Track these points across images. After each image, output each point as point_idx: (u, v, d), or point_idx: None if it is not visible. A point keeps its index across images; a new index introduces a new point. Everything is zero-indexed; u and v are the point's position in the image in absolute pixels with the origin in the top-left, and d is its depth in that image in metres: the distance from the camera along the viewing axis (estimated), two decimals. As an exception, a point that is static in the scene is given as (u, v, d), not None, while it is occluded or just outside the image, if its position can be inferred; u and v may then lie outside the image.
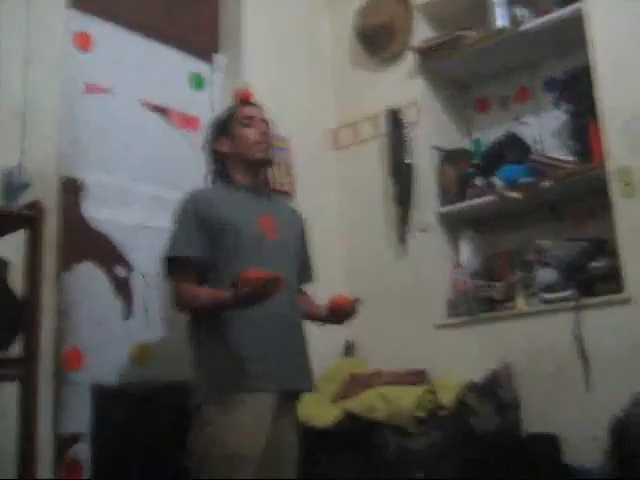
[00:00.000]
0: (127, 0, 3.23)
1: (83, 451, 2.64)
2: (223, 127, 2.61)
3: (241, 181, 2.55)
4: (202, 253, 2.37)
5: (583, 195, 3.29)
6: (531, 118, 3.67)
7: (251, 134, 2.54)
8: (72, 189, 2.83)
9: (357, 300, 2.51)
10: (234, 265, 2.33)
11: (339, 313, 2.51)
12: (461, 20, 3.59)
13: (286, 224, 2.58)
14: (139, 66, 3.21)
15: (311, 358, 2.53)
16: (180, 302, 2.38)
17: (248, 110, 2.60)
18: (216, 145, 2.60)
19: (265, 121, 2.62)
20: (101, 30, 3.07)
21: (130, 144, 3.09)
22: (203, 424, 2.27)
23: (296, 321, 2.50)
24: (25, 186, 2.29)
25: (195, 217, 2.40)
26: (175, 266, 2.39)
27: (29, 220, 2.08)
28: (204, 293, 2.34)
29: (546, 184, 3.18)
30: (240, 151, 2.54)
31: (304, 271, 2.68)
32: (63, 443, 2.59)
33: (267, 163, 2.62)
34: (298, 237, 2.65)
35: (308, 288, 2.72)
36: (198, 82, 3.41)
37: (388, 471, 2.80)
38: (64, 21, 2.84)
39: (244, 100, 2.67)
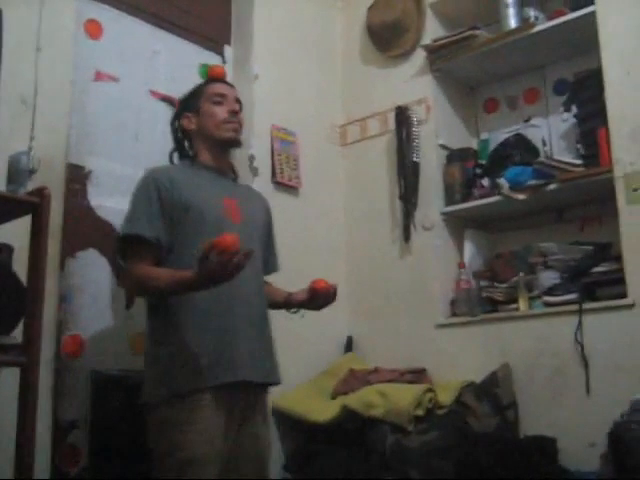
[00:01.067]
0: (138, -10, 3.23)
1: (81, 437, 2.64)
2: (190, 103, 2.50)
3: (206, 161, 2.45)
4: (161, 234, 2.25)
5: (589, 199, 3.28)
6: (540, 120, 3.66)
7: (220, 112, 2.43)
8: (78, 176, 2.83)
9: (335, 287, 2.41)
10: (191, 249, 2.17)
11: (320, 298, 2.40)
12: (472, 19, 3.58)
13: (251, 209, 2.48)
14: (148, 55, 3.21)
15: (276, 348, 2.43)
16: (133, 282, 2.27)
17: (220, 87, 2.50)
18: (182, 121, 2.49)
19: (238, 101, 2.51)
20: (111, 18, 3.07)
21: (138, 133, 3.09)
22: (159, 425, 2.19)
23: (263, 310, 2.40)
24: (31, 172, 2.29)
25: (156, 195, 2.28)
26: (131, 246, 2.26)
27: (34, 206, 2.08)
28: (162, 273, 2.20)
29: (552, 187, 3.18)
30: (207, 129, 2.43)
31: (269, 260, 2.58)
32: (61, 429, 2.59)
33: (235, 143, 2.48)
34: (263, 223, 2.54)
35: (271, 278, 2.62)
36: (206, 73, 3.40)
37: (384, 468, 2.81)
38: (74, 8, 2.84)
39: (216, 77, 2.57)
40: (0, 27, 2.07)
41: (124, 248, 2.30)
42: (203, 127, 2.45)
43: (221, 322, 2.24)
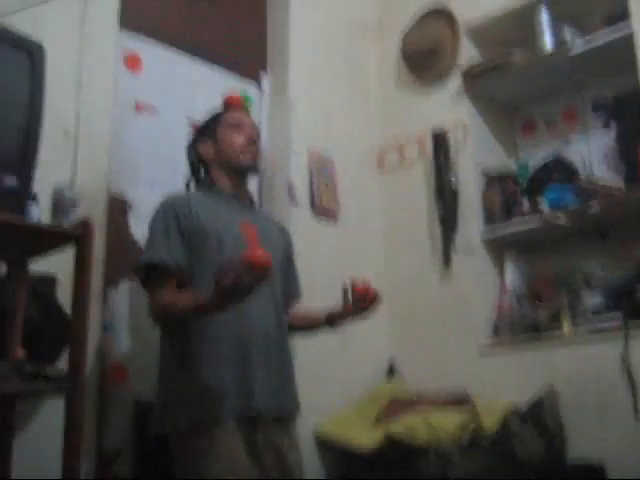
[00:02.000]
0: (175, 20, 3.28)
1: (125, 466, 2.65)
2: (208, 130, 2.51)
3: (223, 187, 2.44)
4: (182, 260, 2.23)
5: (631, 219, 3.24)
6: (578, 140, 3.63)
7: (238, 139, 2.44)
8: (120, 207, 2.87)
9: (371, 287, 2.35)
10: (211, 274, 2.09)
11: (361, 298, 2.33)
12: (508, 41, 3.57)
13: (269, 235, 2.46)
14: (186, 85, 3.25)
15: (295, 377, 2.39)
16: (158, 310, 2.23)
17: (237, 115, 2.51)
18: (199, 148, 2.50)
19: (255, 128, 2.52)
20: (150, 50, 3.12)
21: (177, 163, 3.12)
22: (184, 454, 2.16)
23: (282, 340, 2.36)
24: (74, 204, 2.33)
25: (175, 222, 2.27)
26: (152, 274, 2.24)
27: (77, 237, 2.12)
28: (179, 296, 2.19)
29: (593, 208, 3.14)
30: (225, 156, 2.44)
31: (291, 288, 2.56)
32: (106, 459, 2.60)
33: (252, 170, 2.50)
34: (283, 250, 2.52)
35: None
36: (245, 101, 3.44)
37: (430, 497, 2.77)
38: (115, 42, 2.90)
39: (233, 105, 2.58)
40: (42, 63, 2.11)
41: (146, 276, 2.29)
42: (221, 154, 2.45)
43: (237, 353, 2.21)
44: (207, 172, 2.51)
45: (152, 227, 2.31)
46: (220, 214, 2.35)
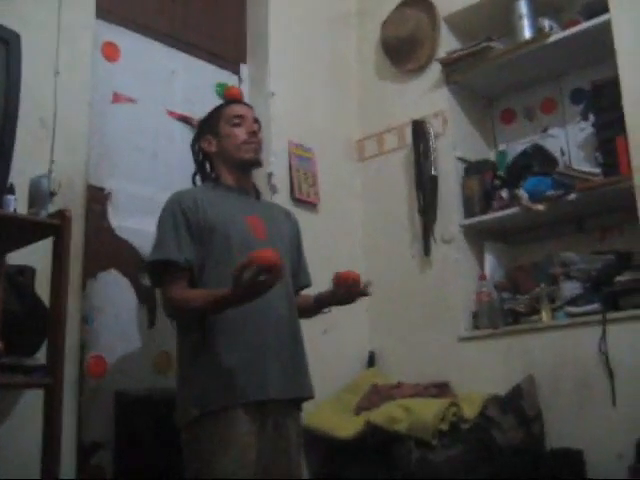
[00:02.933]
0: (154, 10, 3.25)
1: (106, 458, 2.65)
2: (209, 125, 2.52)
3: (228, 182, 2.46)
4: (191, 256, 2.26)
5: (609, 208, 3.27)
6: (557, 130, 3.65)
7: (240, 133, 2.45)
8: (98, 198, 2.85)
9: (368, 282, 2.38)
10: (220, 268, 2.25)
11: (344, 285, 2.34)
12: (486, 31, 3.58)
13: (275, 225, 2.48)
14: (165, 76, 3.24)
15: (308, 362, 2.43)
16: (173, 307, 2.26)
17: (237, 108, 2.51)
18: (202, 144, 2.52)
19: (256, 121, 2.53)
20: (128, 40, 3.10)
21: (156, 153, 3.12)
22: (191, 443, 2.19)
23: (294, 326, 2.39)
24: (52, 194, 2.32)
25: (183, 218, 2.29)
26: (163, 271, 2.27)
27: (55, 228, 2.10)
28: (199, 294, 2.22)
29: (572, 197, 3.16)
30: (227, 151, 2.45)
31: (301, 275, 2.58)
32: (86, 450, 2.60)
33: (255, 164, 2.50)
34: (289, 239, 2.55)
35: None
36: (222, 94, 3.42)
37: (410, 484, 2.79)
38: (92, 31, 2.88)
39: (233, 98, 2.59)
40: (19, 51, 2.09)
41: (156, 273, 2.30)
42: (223, 149, 2.46)
43: (251, 340, 2.24)
44: (211, 166, 2.53)
45: (161, 224, 2.32)
46: (226, 208, 2.37)
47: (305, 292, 2.60)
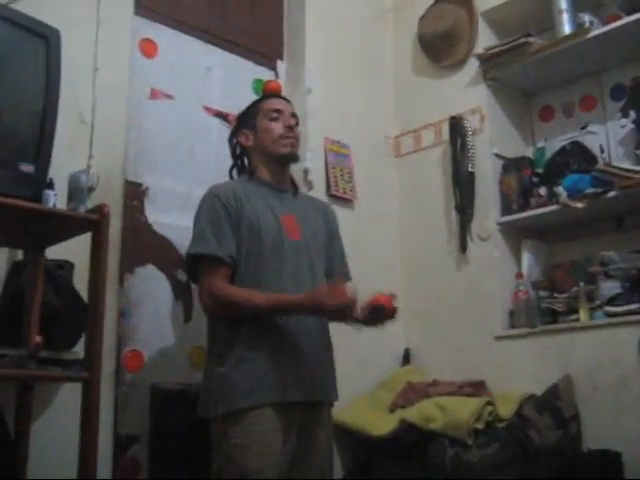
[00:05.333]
0: (191, 7, 3.27)
1: (141, 451, 2.67)
2: (247, 119, 2.51)
3: (264, 177, 2.45)
4: (232, 250, 2.26)
5: (650, 206, 3.21)
6: (597, 127, 3.59)
7: (276, 128, 2.44)
8: (136, 193, 2.87)
9: (394, 297, 2.34)
10: (253, 266, 2.26)
11: (378, 316, 2.32)
12: (525, 26, 3.53)
13: (309, 223, 2.46)
14: (202, 72, 3.25)
15: (335, 365, 2.43)
16: (226, 304, 2.23)
17: (276, 103, 2.50)
18: (239, 138, 2.51)
19: (294, 115, 2.51)
20: (165, 36, 3.12)
21: (192, 149, 3.13)
22: (216, 439, 2.21)
23: (321, 327, 2.38)
24: (91, 190, 2.34)
25: (223, 212, 2.29)
26: (204, 265, 2.26)
27: (94, 223, 2.12)
28: (260, 294, 2.21)
29: (611, 194, 3.11)
30: (264, 145, 2.44)
31: (338, 271, 2.54)
32: (122, 443, 2.62)
33: (292, 158, 2.48)
34: (324, 236, 2.52)
35: None
36: (261, 88, 3.42)
37: (444, 482, 2.78)
38: (130, 28, 2.90)
39: (272, 92, 2.58)
40: (58, 48, 2.11)
41: (196, 267, 2.30)
42: (260, 143, 2.46)
43: (279, 342, 2.24)
44: (249, 161, 2.52)
45: (200, 218, 2.32)
46: (262, 206, 2.36)
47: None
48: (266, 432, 2.16)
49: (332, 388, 2.40)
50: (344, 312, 2.11)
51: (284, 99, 2.57)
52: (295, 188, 2.57)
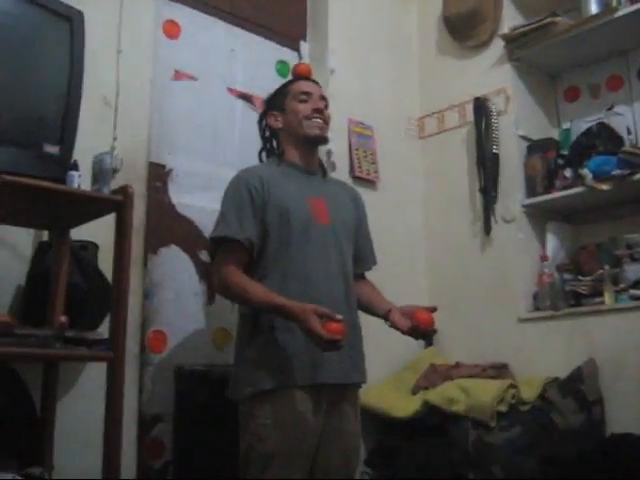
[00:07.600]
0: (214, -12, 3.26)
1: (165, 432, 2.69)
2: (276, 101, 2.51)
3: (293, 159, 2.45)
4: (253, 235, 2.26)
5: (677, 188, 3.17)
6: (623, 108, 3.54)
7: (305, 109, 2.43)
8: (159, 174, 2.88)
9: (434, 310, 2.36)
10: (281, 250, 2.26)
11: (420, 332, 2.34)
12: (551, 6, 3.49)
13: (339, 207, 2.46)
14: (226, 53, 3.24)
15: (363, 347, 2.43)
16: (225, 289, 2.27)
17: (305, 85, 2.49)
18: (268, 119, 2.51)
19: (323, 98, 2.51)
20: (188, 17, 3.12)
21: (216, 130, 3.13)
22: (244, 420, 2.23)
23: (351, 309, 2.37)
24: (115, 171, 2.35)
25: (248, 196, 2.29)
26: (223, 247, 2.28)
27: (118, 204, 2.13)
28: (258, 291, 2.19)
29: (638, 177, 3.07)
30: (292, 127, 2.44)
31: (364, 256, 2.56)
32: (146, 423, 2.65)
33: (321, 140, 2.47)
34: (353, 220, 2.52)
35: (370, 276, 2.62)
36: (285, 70, 3.42)
37: (467, 464, 2.78)
38: (153, 9, 2.90)
39: (302, 75, 2.57)
40: (82, 30, 2.12)
41: (216, 250, 2.32)
42: (289, 125, 2.45)
43: None
44: (278, 143, 2.52)
45: (225, 202, 2.33)
46: (290, 190, 2.36)
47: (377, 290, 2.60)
48: (295, 413, 2.18)
49: (361, 370, 2.41)
50: (325, 346, 2.05)
51: (314, 82, 2.57)
52: (324, 171, 2.57)
